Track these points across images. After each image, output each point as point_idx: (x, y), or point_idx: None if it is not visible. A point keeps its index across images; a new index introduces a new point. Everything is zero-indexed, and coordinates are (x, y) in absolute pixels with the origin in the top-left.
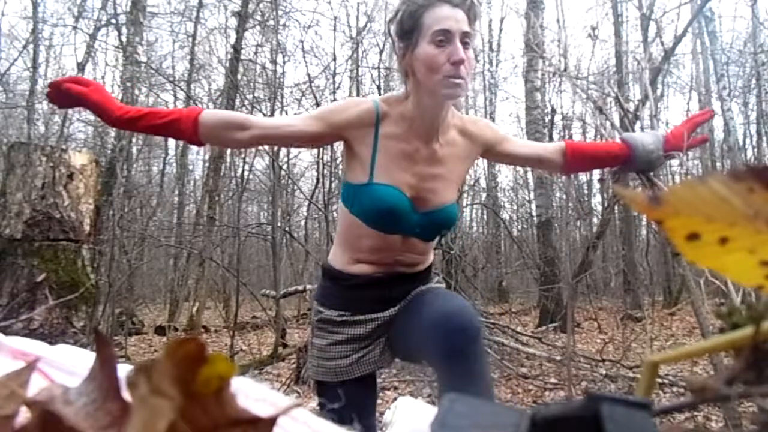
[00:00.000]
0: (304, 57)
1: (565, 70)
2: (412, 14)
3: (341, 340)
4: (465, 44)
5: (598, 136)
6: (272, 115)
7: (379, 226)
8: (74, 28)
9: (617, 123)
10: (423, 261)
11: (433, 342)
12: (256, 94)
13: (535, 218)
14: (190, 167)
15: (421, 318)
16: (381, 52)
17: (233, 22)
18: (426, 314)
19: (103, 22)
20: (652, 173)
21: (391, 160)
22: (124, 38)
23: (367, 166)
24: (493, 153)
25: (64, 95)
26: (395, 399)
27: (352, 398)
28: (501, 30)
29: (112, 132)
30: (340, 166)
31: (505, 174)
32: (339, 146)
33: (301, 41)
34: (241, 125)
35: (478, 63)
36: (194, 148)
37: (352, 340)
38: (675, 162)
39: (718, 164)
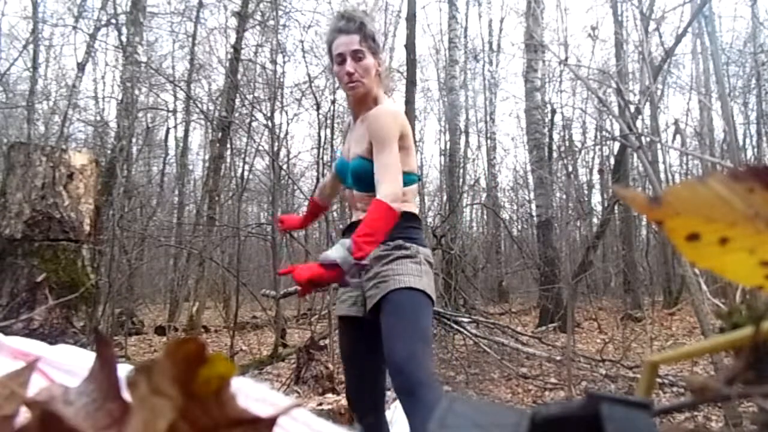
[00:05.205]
0: (304, 57)
1: (566, 59)
2: (328, 45)
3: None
4: (359, 57)
5: (598, 134)
6: (272, 115)
7: (340, 180)
8: (74, 28)
9: (618, 117)
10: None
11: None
12: (256, 94)
13: (535, 218)
14: (190, 167)
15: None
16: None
17: (233, 22)
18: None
19: (103, 22)
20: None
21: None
22: (124, 38)
23: None
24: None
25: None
26: (395, 399)
27: (343, 338)
28: (501, 30)
29: (112, 132)
30: None
31: (505, 174)
32: (338, 147)
33: (301, 41)
34: (327, 184)
35: (479, 63)
36: (194, 149)
37: (341, 285)
38: (675, 162)
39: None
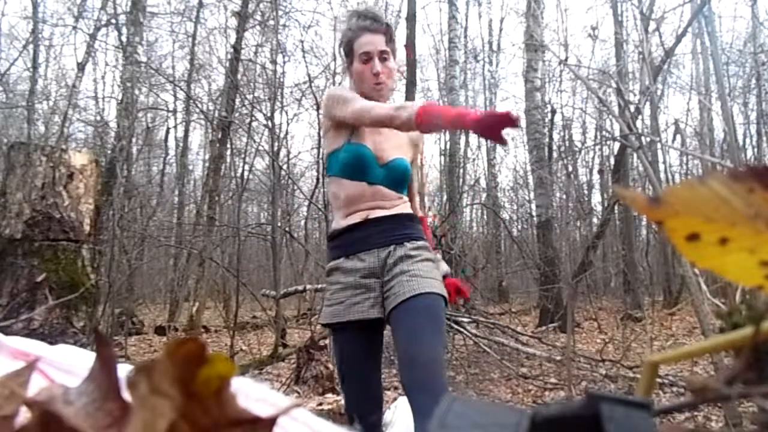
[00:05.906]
0: (304, 57)
1: (566, 60)
2: (348, 43)
3: (338, 288)
4: (384, 58)
5: (598, 134)
6: (272, 115)
7: (351, 173)
8: (74, 28)
9: (618, 117)
10: (393, 208)
11: (400, 372)
12: (256, 94)
13: (535, 218)
14: (190, 167)
15: (397, 344)
16: None
17: (233, 22)
18: (397, 345)
19: (103, 22)
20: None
21: (360, 130)
22: (124, 38)
23: (346, 135)
24: (415, 158)
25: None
26: (395, 399)
27: (349, 345)
28: (501, 30)
29: (112, 132)
30: None
31: (505, 174)
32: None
33: (301, 41)
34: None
35: (479, 63)
36: (194, 149)
37: (344, 288)
38: (675, 162)
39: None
